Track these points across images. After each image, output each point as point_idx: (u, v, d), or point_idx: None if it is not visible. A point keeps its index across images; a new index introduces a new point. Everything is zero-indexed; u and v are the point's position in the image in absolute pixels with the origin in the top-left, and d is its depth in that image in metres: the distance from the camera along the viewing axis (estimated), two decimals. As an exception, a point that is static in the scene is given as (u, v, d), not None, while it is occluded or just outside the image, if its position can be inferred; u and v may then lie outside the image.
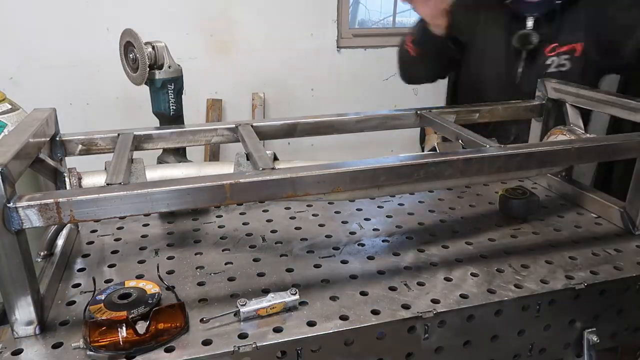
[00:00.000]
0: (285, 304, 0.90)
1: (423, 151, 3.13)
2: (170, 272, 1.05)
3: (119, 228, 1.25)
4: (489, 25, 1.68)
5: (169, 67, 1.37)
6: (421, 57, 1.63)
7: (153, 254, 1.13)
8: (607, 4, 1.59)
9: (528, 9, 1.60)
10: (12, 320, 0.83)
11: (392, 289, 0.98)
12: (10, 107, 1.68)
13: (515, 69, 1.66)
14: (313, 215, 1.32)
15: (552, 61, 1.63)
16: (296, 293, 0.91)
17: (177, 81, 1.40)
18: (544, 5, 1.59)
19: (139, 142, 1.22)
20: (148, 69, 1.32)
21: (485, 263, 1.08)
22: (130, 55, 1.31)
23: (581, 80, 1.50)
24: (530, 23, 1.60)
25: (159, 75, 1.36)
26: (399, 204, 1.39)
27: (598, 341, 1.03)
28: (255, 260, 1.10)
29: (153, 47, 1.33)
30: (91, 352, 0.79)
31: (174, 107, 1.41)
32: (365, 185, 0.93)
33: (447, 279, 1.02)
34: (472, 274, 1.04)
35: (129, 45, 1.31)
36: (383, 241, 1.18)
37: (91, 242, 1.19)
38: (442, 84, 1.99)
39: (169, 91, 1.39)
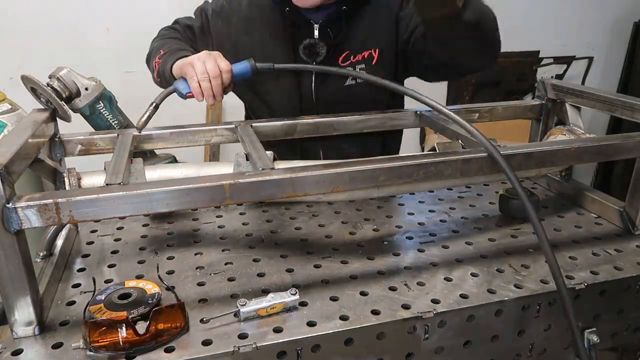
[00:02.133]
0: (285, 304, 0.90)
1: (423, 151, 3.13)
2: (170, 272, 1.05)
3: (118, 228, 1.25)
4: (270, 38, 1.44)
5: (86, 88, 1.24)
6: (161, 85, 1.38)
7: (153, 254, 1.13)
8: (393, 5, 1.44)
9: (310, 17, 1.40)
10: (11, 320, 0.83)
11: (392, 289, 0.98)
12: (10, 107, 1.67)
13: (306, 83, 1.44)
14: (313, 215, 1.32)
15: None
16: (296, 293, 0.91)
17: (103, 97, 1.27)
18: (325, 11, 1.39)
19: (138, 143, 1.22)
20: (65, 103, 1.20)
21: (485, 263, 1.08)
22: (42, 99, 1.17)
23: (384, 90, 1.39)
24: (316, 32, 1.40)
25: (81, 102, 1.24)
26: (399, 204, 1.39)
27: (598, 341, 1.03)
28: (255, 260, 1.10)
29: (59, 79, 1.19)
30: (91, 352, 0.79)
31: (116, 120, 1.31)
32: (365, 185, 0.93)
33: (447, 279, 1.02)
34: (472, 274, 1.04)
35: (35, 91, 1.17)
36: (383, 241, 1.18)
37: (91, 242, 1.18)
38: (442, 85, 1.99)
39: (101, 110, 1.28)
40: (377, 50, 1.43)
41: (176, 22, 1.59)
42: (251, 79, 1.25)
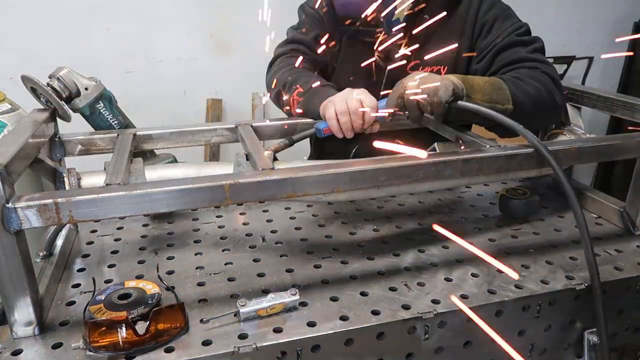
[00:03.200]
0: (285, 304, 0.90)
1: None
2: (170, 272, 1.05)
3: (118, 228, 1.25)
4: (348, 52, 1.49)
5: (86, 88, 1.23)
6: (297, 115, 1.38)
7: (153, 254, 1.13)
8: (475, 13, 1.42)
9: (388, 25, 1.39)
10: (11, 320, 0.83)
11: (392, 289, 0.98)
12: (10, 107, 1.67)
13: (377, 83, 1.46)
14: (313, 215, 1.32)
15: None
16: (296, 293, 0.91)
17: (103, 97, 1.27)
18: (398, 21, 1.37)
19: (138, 143, 1.22)
20: (65, 103, 1.20)
21: (485, 263, 1.08)
22: (42, 99, 1.18)
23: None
24: (396, 38, 1.38)
25: (80, 102, 1.24)
26: (399, 204, 1.39)
27: (598, 341, 1.03)
28: (255, 260, 1.10)
29: (59, 79, 1.19)
30: (91, 353, 0.79)
31: (116, 120, 1.31)
32: (365, 185, 0.93)
33: (447, 279, 1.02)
34: (472, 274, 1.04)
35: (35, 91, 1.17)
36: (383, 241, 1.18)
37: (91, 242, 1.18)
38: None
39: (101, 110, 1.28)
40: (445, 67, 1.43)
41: (291, 41, 1.59)
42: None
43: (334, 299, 0.95)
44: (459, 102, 1.11)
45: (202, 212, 1.33)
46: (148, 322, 0.81)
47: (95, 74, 1.28)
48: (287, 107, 1.42)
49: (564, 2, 3.78)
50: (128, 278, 1.01)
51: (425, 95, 1.10)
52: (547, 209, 1.36)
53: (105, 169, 1.09)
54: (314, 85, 1.36)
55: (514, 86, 1.20)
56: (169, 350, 0.81)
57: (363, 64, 1.39)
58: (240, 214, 1.33)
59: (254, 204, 1.37)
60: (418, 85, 1.11)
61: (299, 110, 1.36)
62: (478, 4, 1.42)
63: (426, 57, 1.34)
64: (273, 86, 1.47)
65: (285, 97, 1.41)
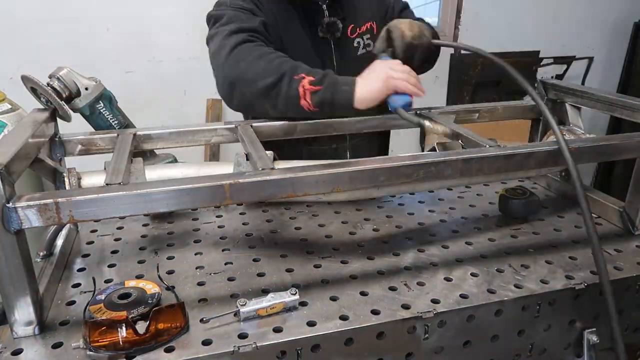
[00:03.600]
0: (285, 304, 0.90)
1: (423, 151, 3.13)
2: (170, 272, 1.05)
3: (118, 228, 1.25)
4: (289, 26, 1.52)
5: (86, 88, 1.23)
6: (312, 113, 1.30)
7: (153, 254, 1.13)
8: None
9: None
10: (11, 320, 0.83)
11: (392, 289, 0.98)
12: (10, 107, 1.68)
13: (328, 59, 1.56)
14: (313, 215, 1.32)
15: (358, 43, 1.59)
16: (296, 293, 0.91)
17: (103, 97, 1.27)
18: None
19: (138, 143, 1.22)
20: (65, 102, 1.20)
21: (485, 263, 1.08)
22: (42, 99, 1.17)
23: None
24: (326, 11, 1.53)
25: (80, 102, 1.24)
26: (399, 204, 1.39)
27: (598, 341, 1.03)
28: (255, 260, 1.10)
29: (59, 79, 1.19)
30: (91, 352, 0.79)
31: (116, 120, 1.31)
32: (364, 185, 0.93)
33: (447, 279, 1.02)
34: (472, 274, 1.04)
35: (35, 91, 1.17)
36: (383, 241, 1.18)
37: (91, 242, 1.18)
38: (442, 85, 1.99)
39: (101, 110, 1.27)
40: (374, 22, 1.61)
41: (240, 30, 1.39)
42: None
43: (333, 299, 0.95)
44: (434, 40, 1.36)
45: (202, 212, 1.33)
46: (148, 322, 0.81)
47: (95, 74, 1.28)
48: (300, 101, 1.27)
49: (564, 2, 3.78)
50: (128, 278, 1.01)
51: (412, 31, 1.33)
52: (547, 208, 1.36)
53: (105, 169, 1.09)
54: (325, 74, 1.29)
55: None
56: (169, 349, 0.81)
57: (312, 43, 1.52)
58: (240, 214, 1.33)
59: (254, 204, 1.37)
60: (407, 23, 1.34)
61: (311, 105, 1.26)
62: None
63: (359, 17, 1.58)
64: (250, 77, 1.29)
65: (284, 88, 1.27)
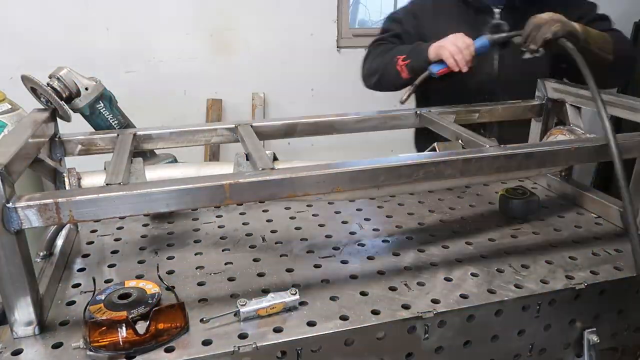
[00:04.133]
0: (285, 304, 0.90)
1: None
2: (170, 272, 1.05)
3: (119, 228, 1.25)
4: (456, 24, 1.63)
5: (86, 88, 1.23)
6: (410, 79, 1.59)
7: (153, 254, 1.13)
8: None
9: (489, 2, 1.67)
10: (11, 320, 0.83)
11: (392, 289, 0.98)
12: (10, 107, 1.67)
13: (490, 59, 1.67)
14: (313, 215, 1.32)
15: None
16: (296, 293, 0.91)
17: (103, 96, 1.27)
18: None
19: (138, 143, 1.22)
20: (65, 102, 1.20)
21: (485, 263, 1.08)
22: (42, 99, 1.17)
23: (552, 65, 1.57)
24: (497, 14, 1.66)
25: (80, 102, 1.23)
26: (399, 204, 1.39)
27: (598, 341, 1.03)
28: (255, 260, 1.10)
29: (59, 79, 1.19)
30: (91, 352, 0.79)
31: (116, 120, 1.30)
32: (365, 185, 0.93)
33: (447, 279, 1.02)
34: (472, 274, 1.04)
35: (35, 91, 1.17)
36: (383, 241, 1.18)
37: (91, 242, 1.18)
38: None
39: (101, 110, 1.27)
40: None
41: (381, 40, 1.81)
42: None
43: (333, 299, 0.95)
44: (561, 39, 1.29)
45: (202, 212, 1.33)
46: (148, 322, 0.81)
47: (95, 74, 1.28)
48: (400, 75, 1.60)
49: (563, 2, 3.78)
50: (128, 278, 1.01)
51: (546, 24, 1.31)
52: (546, 208, 1.36)
53: (105, 169, 1.09)
54: (410, 49, 1.58)
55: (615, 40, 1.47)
56: (169, 349, 0.81)
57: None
58: (240, 213, 1.33)
59: (254, 204, 1.37)
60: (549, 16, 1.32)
61: (407, 74, 1.57)
62: None
63: None
64: (373, 72, 1.73)
65: (392, 72, 1.62)
